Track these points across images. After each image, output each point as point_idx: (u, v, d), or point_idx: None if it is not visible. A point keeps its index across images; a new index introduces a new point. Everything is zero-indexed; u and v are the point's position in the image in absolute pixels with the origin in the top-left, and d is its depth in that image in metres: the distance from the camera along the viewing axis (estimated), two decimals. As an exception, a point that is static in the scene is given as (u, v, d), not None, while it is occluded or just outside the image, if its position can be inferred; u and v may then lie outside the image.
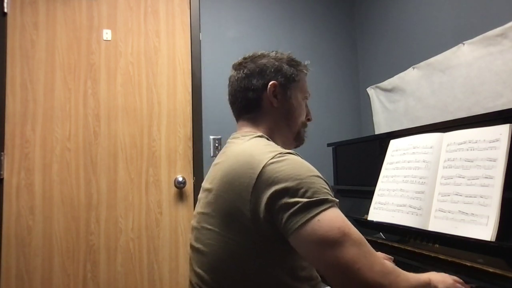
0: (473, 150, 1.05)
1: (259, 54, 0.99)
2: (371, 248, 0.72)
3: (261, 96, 0.94)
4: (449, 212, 1.04)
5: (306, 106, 1.04)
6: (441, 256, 1.00)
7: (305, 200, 0.71)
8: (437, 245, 1.04)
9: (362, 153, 1.75)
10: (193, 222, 0.92)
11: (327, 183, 0.78)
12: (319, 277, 0.87)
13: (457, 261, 0.95)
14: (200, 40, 2.18)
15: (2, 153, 1.85)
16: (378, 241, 1.24)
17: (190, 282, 0.90)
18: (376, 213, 1.32)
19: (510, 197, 0.93)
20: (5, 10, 1.90)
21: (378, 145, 1.60)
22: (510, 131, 0.98)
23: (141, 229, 2.01)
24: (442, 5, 1.82)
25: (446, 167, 1.12)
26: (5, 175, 1.85)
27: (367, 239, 0.72)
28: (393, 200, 1.26)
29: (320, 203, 0.72)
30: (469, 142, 1.07)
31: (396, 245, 1.17)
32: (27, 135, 1.90)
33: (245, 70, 0.96)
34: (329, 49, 2.47)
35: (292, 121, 0.98)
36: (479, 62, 1.55)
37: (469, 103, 1.60)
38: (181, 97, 2.14)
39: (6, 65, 1.89)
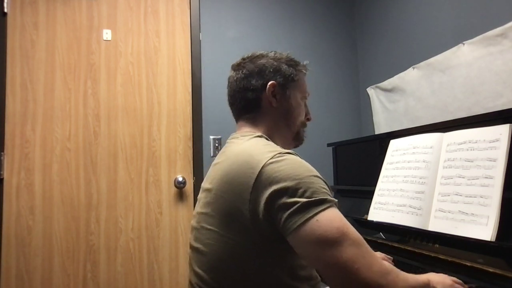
0: (473, 150, 1.05)
1: (257, 54, 0.99)
2: (370, 248, 0.72)
3: (260, 96, 0.94)
4: (449, 212, 1.04)
5: (306, 106, 1.04)
6: (441, 256, 1.00)
7: (304, 200, 0.71)
8: (437, 245, 1.04)
9: (362, 153, 1.75)
10: (193, 222, 0.92)
11: (326, 183, 0.78)
12: (319, 277, 0.87)
13: (457, 261, 0.95)
14: (200, 40, 2.18)
15: (2, 153, 1.85)
16: (378, 241, 1.24)
17: (190, 282, 0.90)
18: (376, 213, 1.32)
19: (510, 197, 0.93)
20: (5, 10, 1.90)
21: (378, 145, 1.59)
22: (510, 131, 0.97)
23: (141, 229, 2.01)
24: (442, 5, 1.82)
25: (446, 167, 1.12)
26: (5, 175, 1.85)
27: (367, 239, 0.72)
28: (393, 200, 1.26)
29: (319, 203, 0.72)
30: (469, 142, 1.07)
31: (396, 245, 1.17)
32: (27, 135, 1.90)
33: (244, 71, 0.96)
34: (329, 49, 2.47)
35: (291, 121, 0.98)
36: (479, 62, 1.55)
37: (469, 103, 1.60)
38: (181, 97, 2.14)
39: (6, 65, 1.89)
